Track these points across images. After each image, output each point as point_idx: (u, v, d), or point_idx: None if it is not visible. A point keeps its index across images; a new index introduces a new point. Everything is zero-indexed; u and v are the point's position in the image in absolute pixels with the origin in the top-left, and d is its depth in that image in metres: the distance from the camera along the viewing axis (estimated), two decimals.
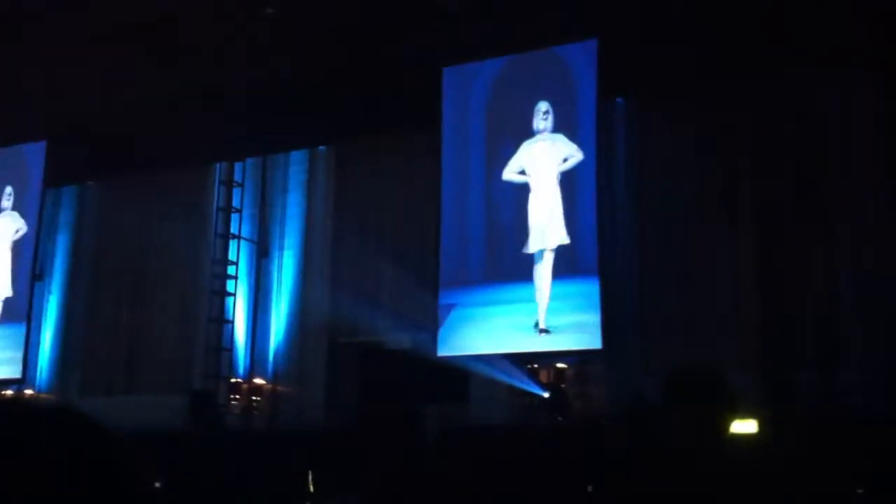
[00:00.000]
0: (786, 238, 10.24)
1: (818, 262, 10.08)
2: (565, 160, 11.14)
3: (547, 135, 11.35)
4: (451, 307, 11.08)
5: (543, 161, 11.28)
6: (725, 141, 10.69)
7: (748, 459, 3.38)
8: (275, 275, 13.33)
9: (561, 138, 11.23)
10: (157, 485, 8.62)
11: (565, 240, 10.84)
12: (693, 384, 3.02)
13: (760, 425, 8.11)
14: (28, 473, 1.04)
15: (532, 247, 11.03)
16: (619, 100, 11.35)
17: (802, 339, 9.97)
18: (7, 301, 13.99)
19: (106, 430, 1.14)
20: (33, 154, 14.28)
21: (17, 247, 14.15)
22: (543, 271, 10.94)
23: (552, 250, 10.91)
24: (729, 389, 2.98)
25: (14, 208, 14.48)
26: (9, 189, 14.57)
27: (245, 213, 13.55)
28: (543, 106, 11.38)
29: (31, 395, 13.76)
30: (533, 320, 10.64)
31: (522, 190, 11.22)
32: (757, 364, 9.88)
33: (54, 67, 12.38)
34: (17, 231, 14.27)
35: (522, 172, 11.41)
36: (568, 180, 11.00)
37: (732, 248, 10.49)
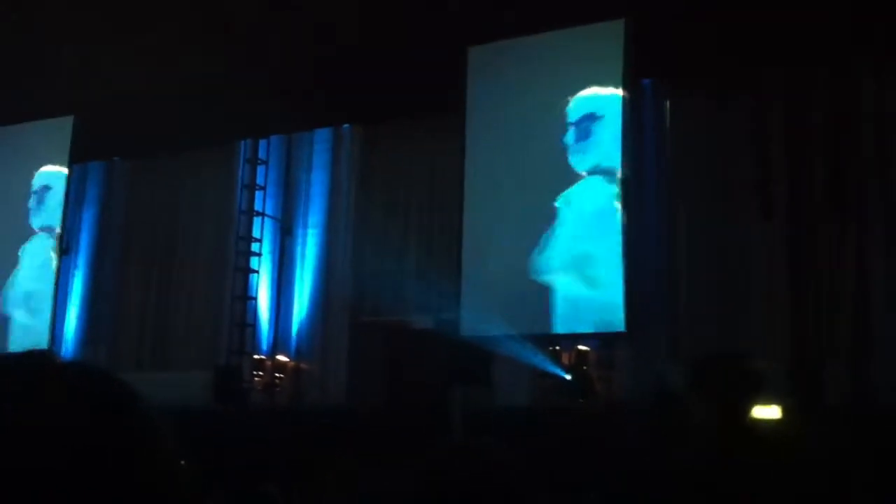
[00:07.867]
0: (819, 229, 10.11)
1: (851, 254, 9.96)
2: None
3: (586, 179, 10.58)
4: (473, 287, 11.03)
5: (577, 204, 10.68)
6: (758, 130, 10.52)
7: (773, 448, 3.38)
8: (298, 252, 13.35)
9: (599, 182, 10.55)
10: (182, 462, 8.66)
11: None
12: (718, 369, 3.02)
13: (787, 415, 8.08)
14: (49, 427, 0.98)
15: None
16: (645, 81, 11.19)
17: (833, 330, 9.87)
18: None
19: (129, 387, 1.07)
20: (60, 129, 14.30)
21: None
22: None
23: None
24: (754, 373, 2.96)
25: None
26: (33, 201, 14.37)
27: (269, 190, 13.57)
28: (573, 112, 10.80)
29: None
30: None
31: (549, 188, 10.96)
32: (787, 354, 9.80)
33: (82, 43, 12.42)
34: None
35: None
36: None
37: (764, 237, 10.36)
